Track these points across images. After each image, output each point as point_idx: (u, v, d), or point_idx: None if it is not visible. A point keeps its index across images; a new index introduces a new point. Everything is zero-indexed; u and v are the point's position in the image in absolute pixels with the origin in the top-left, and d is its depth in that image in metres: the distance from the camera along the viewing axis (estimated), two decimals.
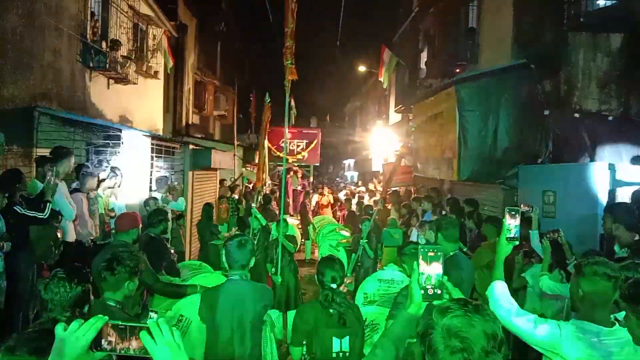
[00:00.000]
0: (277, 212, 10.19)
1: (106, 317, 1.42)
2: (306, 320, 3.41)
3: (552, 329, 2.54)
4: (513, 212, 2.58)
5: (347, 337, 3.37)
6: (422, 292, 1.91)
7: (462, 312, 1.54)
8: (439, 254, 1.92)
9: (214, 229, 8.85)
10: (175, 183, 8.82)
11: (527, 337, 2.57)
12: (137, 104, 11.94)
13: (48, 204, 5.31)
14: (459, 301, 1.61)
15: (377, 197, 14.19)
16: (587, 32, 8.17)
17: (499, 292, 2.68)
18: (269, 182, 14.90)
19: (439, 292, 1.91)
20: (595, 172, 6.65)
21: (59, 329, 1.42)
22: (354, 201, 14.87)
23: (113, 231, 6.38)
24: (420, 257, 1.92)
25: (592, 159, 7.47)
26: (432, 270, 1.91)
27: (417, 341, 1.62)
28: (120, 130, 8.09)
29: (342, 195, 17.91)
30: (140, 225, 5.06)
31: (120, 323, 1.41)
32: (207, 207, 9.29)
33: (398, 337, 1.92)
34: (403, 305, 2.05)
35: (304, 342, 3.45)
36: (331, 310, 3.36)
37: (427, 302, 1.92)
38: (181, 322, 4.61)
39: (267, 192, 14.49)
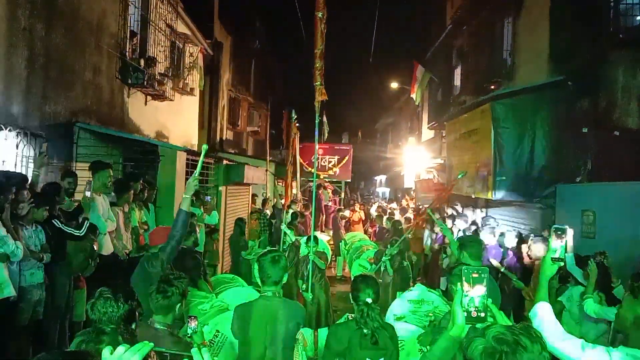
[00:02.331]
0: (308, 228, 10.19)
1: (152, 344, 1.45)
2: (339, 340, 3.33)
3: (601, 356, 2.40)
4: (559, 232, 2.49)
5: (382, 359, 3.27)
6: (465, 314, 1.88)
7: (507, 327, 1.52)
8: (482, 275, 1.88)
9: (244, 243, 8.91)
10: (209, 198, 8.92)
11: None
12: (173, 120, 12.17)
13: (85, 221, 5.44)
14: (508, 327, 1.57)
15: (409, 214, 14.06)
16: (627, 48, 8.00)
17: (543, 313, 2.55)
18: (300, 196, 14.92)
19: (482, 314, 1.87)
20: (636, 192, 6.44)
21: (105, 352, 1.45)
22: (385, 218, 14.76)
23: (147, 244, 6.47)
24: (464, 278, 1.89)
25: (632, 179, 7.24)
26: (475, 292, 1.88)
27: None
28: (156, 146, 8.25)
29: (373, 211, 17.80)
30: None
31: (165, 351, 1.43)
32: (240, 221, 9.37)
33: (439, 359, 1.88)
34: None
35: None
36: (365, 331, 3.27)
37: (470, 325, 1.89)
38: (217, 337, 4.63)
39: (300, 208, 14.51)
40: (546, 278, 2.58)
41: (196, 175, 3.88)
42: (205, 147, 4.08)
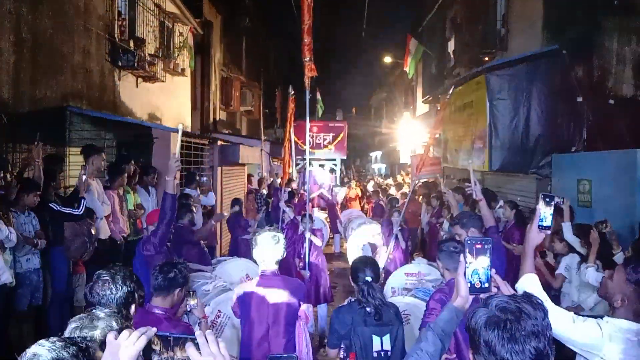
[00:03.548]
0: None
1: (155, 329, 1.45)
2: (343, 321, 3.29)
3: (593, 328, 2.39)
4: (547, 199, 2.40)
5: (388, 335, 3.24)
6: (469, 285, 1.87)
7: (510, 297, 1.52)
8: (486, 246, 1.87)
9: (244, 223, 8.89)
10: (205, 179, 8.89)
11: (564, 336, 2.40)
12: (165, 101, 12.06)
13: (82, 200, 5.41)
14: (513, 297, 1.57)
15: (405, 189, 14.08)
16: (621, 15, 7.92)
17: (530, 286, 2.46)
18: (296, 175, 14.90)
19: (487, 285, 1.87)
20: (632, 160, 6.44)
21: (109, 337, 1.45)
22: (380, 194, 14.79)
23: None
24: (467, 249, 1.87)
25: (628, 146, 7.24)
26: (479, 263, 1.87)
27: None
28: (150, 128, 8.18)
29: (370, 187, 17.82)
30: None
31: (169, 334, 1.43)
32: (236, 201, 9.35)
33: (444, 330, 1.88)
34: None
35: (342, 345, 3.34)
36: (368, 309, 3.26)
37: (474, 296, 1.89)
38: (220, 317, 4.65)
39: (295, 186, 14.48)
40: (532, 247, 2.49)
41: (176, 156, 3.84)
42: (180, 126, 4.04)
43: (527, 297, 1.56)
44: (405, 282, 6.01)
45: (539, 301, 1.55)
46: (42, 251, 5.25)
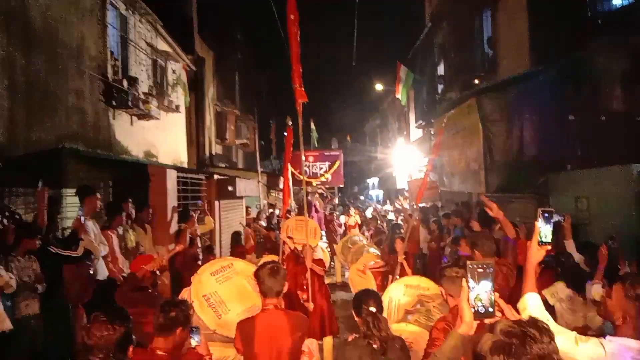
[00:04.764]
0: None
1: None
2: (349, 359, 3.21)
3: (595, 349, 2.34)
4: (546, 215, 2.37)
5: None
6: (473, 310, 1.85)
7: (515, 322, 1.49)
8: (488, 270, 1.85)
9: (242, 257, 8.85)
10: (200, 201, 8.91)
11: (567, 357, 2.32)
12: (161, 138, 12.11)
13: (80, 241, 5.38)
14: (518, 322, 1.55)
15: (403, 214, 14.02)
16: (606, 33, 8.04)
17: (532, 305, 2.42)
18: (294, 205, 14.87)
19: (490, 310, 1.84)
20: (627, 175, 6.46)
21: None
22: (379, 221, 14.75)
23: None
24: (469, 274, 1.85)
25: (622, 162, 7.27)
26: (482, 287, 1.85)
27: None
28: (145, 166, 8.19)
29: (368, 214, 17.76)
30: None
31: None
32: (235, 234, 9.34)
33: (449, 358, 1.85)
34: None
35: None
36: (375, 346, 3.15)
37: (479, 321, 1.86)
38: (211, 299, 4.65)
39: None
40: (533, 265, 2.46)
41: None
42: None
43: (533, 321, 1.54)
44: (404, 293, 5.88)
45: (545, 325, 1.54)
46: (42, 296, 5.18)
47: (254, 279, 3.64)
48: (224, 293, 4.90)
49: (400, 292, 5.87)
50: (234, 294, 4.79)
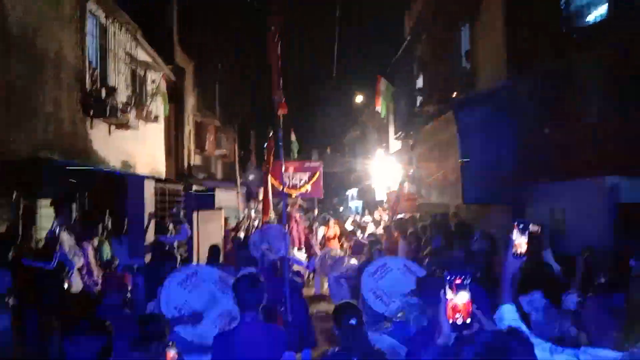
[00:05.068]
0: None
1: None
2: None
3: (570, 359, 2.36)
4: (521, 227, 2.42)
5: None
6: (451, 322, 1.85)
7: (495, 333, 1.50)
8: (466, 282, 1.86)
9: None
10: (174, 209, 8.83)
11: None
12: (139, 148, 11.99)
13: (55, 254, 5.29)
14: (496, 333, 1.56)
15: (382, 226, 14.08)
16: (582, 45, 8.21)
17: (508, 317, 2.43)
18: (273, 216, 14.83)
19: (469, 321, 1.85)
20: (602, 187, 6.57)
21: None
22: (359, 232, 14.78)
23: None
24: (447, 285, 1.86)
25: (597, 174, 7.40)
26: (459, 299, 1.85)
27: None
28: (123, 176, 8.10)
29: (348, 226, 17.77)
30: (129, 288, 4.97)
31: None
32: (214, 247, 9.24)
33: None
34: None
35: None
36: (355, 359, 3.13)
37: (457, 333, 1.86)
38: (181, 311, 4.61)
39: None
40: (509, 276, 2.48)
41: None
42: None
43: (513, 332, 1.55)
44: (399, 268, 5.80)
45: (524, 336, 1.55)
46: (13, 309, 5.06)
47: (233, 290, 3.62)
48: (194, 301, 4.85)
49: (397, 265, 5.77)
50: (203, 301, 4.75)
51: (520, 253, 2.40)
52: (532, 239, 5.46)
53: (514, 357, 1.45)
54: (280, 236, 7.00)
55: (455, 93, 11.91)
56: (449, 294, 1.86)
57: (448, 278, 1.88)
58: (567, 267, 5.03)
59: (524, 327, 2.40)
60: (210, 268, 4.98)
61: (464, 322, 1.84)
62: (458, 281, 1.86)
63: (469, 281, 1.87)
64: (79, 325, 2.61)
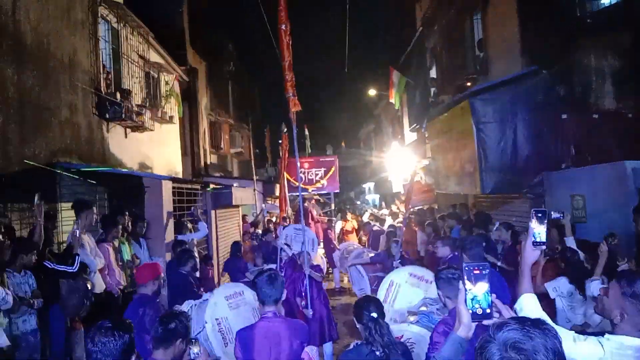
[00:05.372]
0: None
1: None
2: None
3: (594, 347, 2.32)
4: (540, 215, 2.37)
5: None
6: (471, 312, 1.84)
7: (519, 327, 1.48)
8: (484, 272, 1.85)
9: (243, 265, 8.82)
10: (193, 209, 8.89)
11: (566, 356, 2.35)
12: (155, 149, 12.10)
13: (77, 256, 5.36)
14: (517, 318, 1.55)
15: (400, 218, 14.04)
16: (595, 32, 8.10)
17: (528, 306, 2.41)
18: (290, 212, 14.87)
19: (488, 311, 1.84)
20: (622, 172, 6.48)
21: None
22: (376, 225, 14.77)
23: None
24: (465, 276, 1.85)
25: (616, 159, 7.30)
26: (478, 289, 1.85)
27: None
28: (141, 178, 8.18)
29: (365, 219, 17.76)
30: (162, 275, 5.06)
31: None
32: (235, 244, 9.33)
33: None
34: None
35: None
36: (377, 353, 3.13)
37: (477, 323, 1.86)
38: (220, 324, 4.79)
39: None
40: (528, 265, 2.45)
41: None
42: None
43: (537, 325, 1.53)
44: (406, 281, 5.85)
45: (549, 327, 1.53)
46: (39, 311, 5.15)
47: (253, 286, 3.65)
48: (233, 321, 4.93)
49: (403, 277, 5.83)
50: (239, 324, 4.82)
51: (539, 242, 2.36)
52: (555, 227, 5.42)
53: (540, 355, 1.44)
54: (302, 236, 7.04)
55: (469, 82, 11.81)
56: (468, 285, 1.85)
57: (466, 269, 1.87)
58: (589, 253, 4.98)
59: (545, 317, 2.38)
60: (254, 294, 5.10)
61: (483, 312, 1.84)
62: (476, 272, 1.85)
63: (487, 271, 1.86)
64: (101, 325, 2.67)
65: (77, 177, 7.42)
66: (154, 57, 12.51)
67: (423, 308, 5.43)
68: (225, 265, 9.28)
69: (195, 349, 3.31)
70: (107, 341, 2.60)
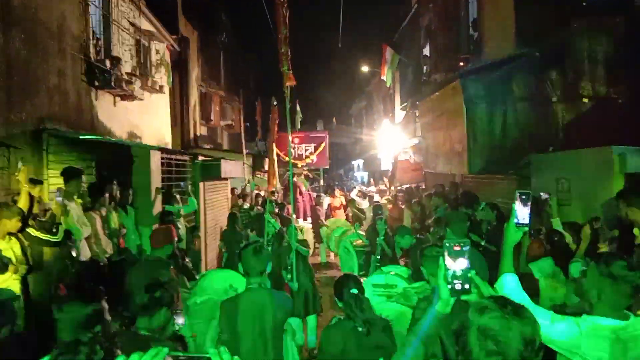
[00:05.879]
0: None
1: (167, 349, 1.43)
2: (334, 342, 3.25)
3: (571, 327, 2.38)
4: (524, 197, 2.40)
5: None
6: (450, 287, 1.89)
7: (500, 314, 1.52)
8: (464, 248, 1.89)
9: (239, 237, 8.91)
10: (183, 183, 8.90)
11: (543, 336, 2.40)
12: (145, 119, 11.99)
13: (59, 226, 5.35)
14: (498, 301, 1.58)
15: (388, 195, 14.13)
16: (590, 15, 8.09)
17: (509, 287, 2.43)
18: (279, 186, 14.89)
19: (467, 287, 1.89)
20: (607, 157, 6.55)
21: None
22: (365, 202, 14.87)
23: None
24: (446, 252, 1.89)
25: (603, 144, 7.36)
26: (458, 265, 1.89)
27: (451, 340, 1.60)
28: (129, 147, 8.12)
29: (353, 196, 17.85)
30: (176, 239, 5.11)
31: (182, 354, 1.44)
32: (232, 216, 9.42)
33: (427, 335, 1.90)
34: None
35: None
36: (360, 329, 3.20)
37: (456, 298, 1.90)
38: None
39: (280, 197, 14.48)
40: (510, 245, 2.47)
41: None
42: None
43: (517, 312, 1.56)
44: (372, 293, 5.87)
45: (528, 314, 1.57)
46: (22, 277, 5.15)
47: (238, 258, 3.68)
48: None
49: (369, 293, 5.86)
50: None
51: (522, 224, 2.39)
52: (541, 208, 5.49)
53: (514, 338, 1.48)
54: None
55: (462, 62, 11.79)
56: (448, 261, 1.89)
57: (447, 245, 1.91)
58: (574, 235, 5.07)
59: (524, 296, 2.43)
60: None
61: (462, 287, 1.88)
62: (457, 248, 1.89)
63: (467, 248, 1.90)
64: (74, 288, 2.65)
65: (65, 144, 7.36)
66: (145, 24, 12.30)
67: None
68: (222, 237, 9.44)
69: (180, 320, 3.34)
70: (70, 309, 2.57)
